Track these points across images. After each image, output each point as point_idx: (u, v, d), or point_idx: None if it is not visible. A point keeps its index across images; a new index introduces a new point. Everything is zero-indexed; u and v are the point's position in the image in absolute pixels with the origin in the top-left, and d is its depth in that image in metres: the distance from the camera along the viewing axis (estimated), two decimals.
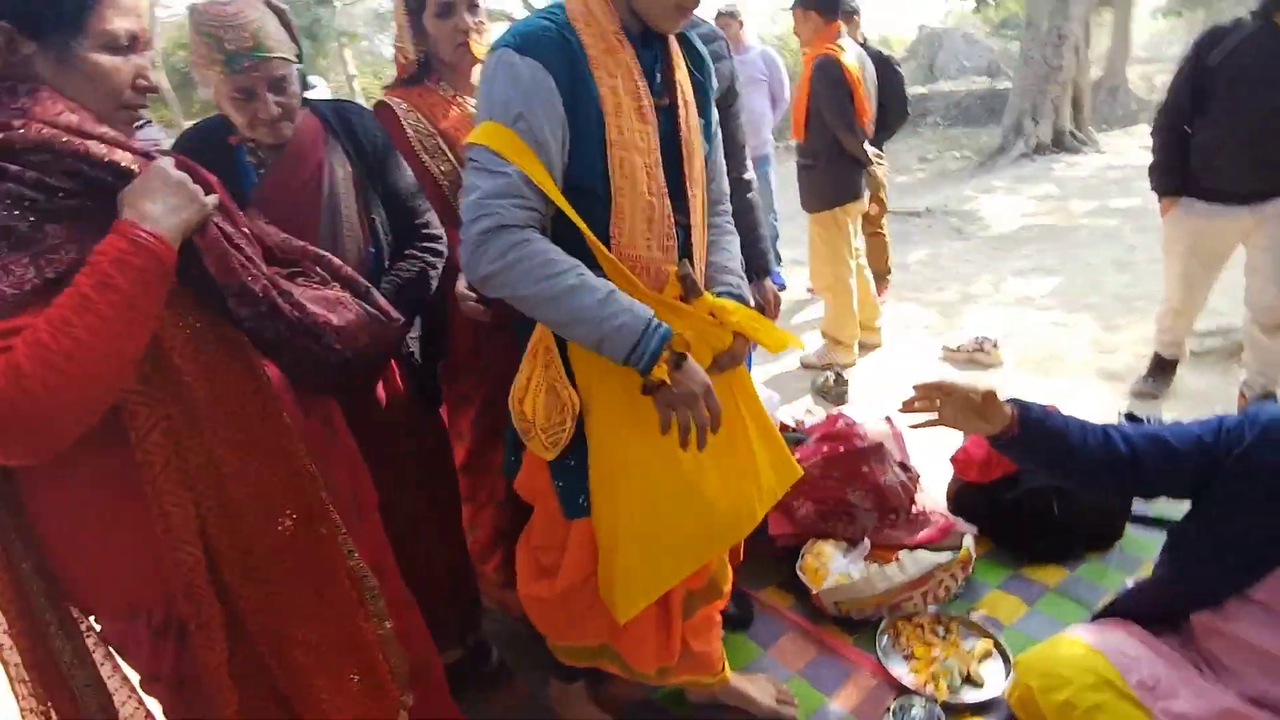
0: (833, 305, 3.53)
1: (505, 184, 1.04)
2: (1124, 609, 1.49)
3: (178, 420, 0.84)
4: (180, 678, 0.90)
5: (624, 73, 1.11)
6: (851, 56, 3.12)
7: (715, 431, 1.09)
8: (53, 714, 0.92)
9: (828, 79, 3.07)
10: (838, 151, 3.20)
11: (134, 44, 0.88)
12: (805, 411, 2.50)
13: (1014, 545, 2.03)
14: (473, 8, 1.58)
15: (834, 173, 3.25)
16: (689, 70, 1.24)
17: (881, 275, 4.49)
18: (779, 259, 5.14)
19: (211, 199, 0.89)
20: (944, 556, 1.82)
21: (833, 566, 1.87)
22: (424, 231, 1.50)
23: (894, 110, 4.09)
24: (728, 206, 1.41)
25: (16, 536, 0.87)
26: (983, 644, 1.70)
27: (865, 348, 3.75)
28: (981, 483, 2.06)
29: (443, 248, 1.52)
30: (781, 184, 5.00)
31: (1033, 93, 8.92)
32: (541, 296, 1.04)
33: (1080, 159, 8.65)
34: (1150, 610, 1.45)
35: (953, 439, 2.31)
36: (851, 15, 4.06)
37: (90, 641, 0.96)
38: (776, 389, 3.41)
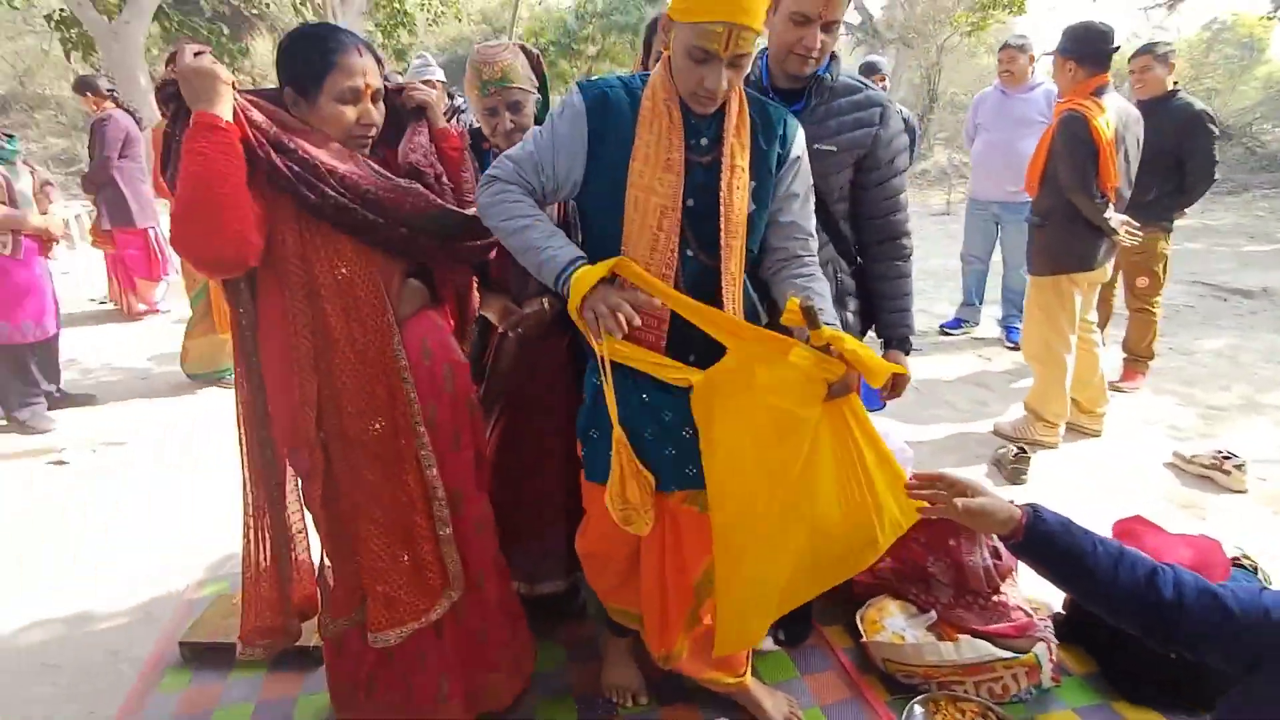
0: (1040, 377, 3.24)
1: (521, 155, 1.42)
2: None
3: (319, 336, 1.31)
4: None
5: (661, 130, 1.36)
6: (1110, 115, 2.83)
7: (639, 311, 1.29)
8: (252, 505, 1.47)
9: (1071, 137, 2.83)
10: (1072, 214, 2.93)
11: (357, 96, 1.34)
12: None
13: (1118, 676, 1.84)
14: None
15: (1065, 236, 2.98)
16: (756, 140, 1.42)
17: (1139, 359, 3.94)
18: (1020, 314, 4.70)
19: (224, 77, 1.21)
20: (1004, 653, 1.74)
21: (889, 624, 1.89)
22: None
23: (1195, 174, 3.56)
24: (810, 259, 1.53)
25: (254, 378, 1.41)
26: None
27: (1080, 433, 3.38)
28: None
29: None
30: None
31: None
32: (506, 230, 1.39)
33: None
34: None
35: None
36: (1165, 59, 3.60)
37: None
38: (957, 449, 3.28)
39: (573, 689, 1.90)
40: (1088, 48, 2.86)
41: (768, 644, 2.02)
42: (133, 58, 11.64)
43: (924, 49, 20.47)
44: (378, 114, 1.38)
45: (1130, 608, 1.23)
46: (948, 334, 4.94)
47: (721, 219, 1.38)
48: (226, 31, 14.71)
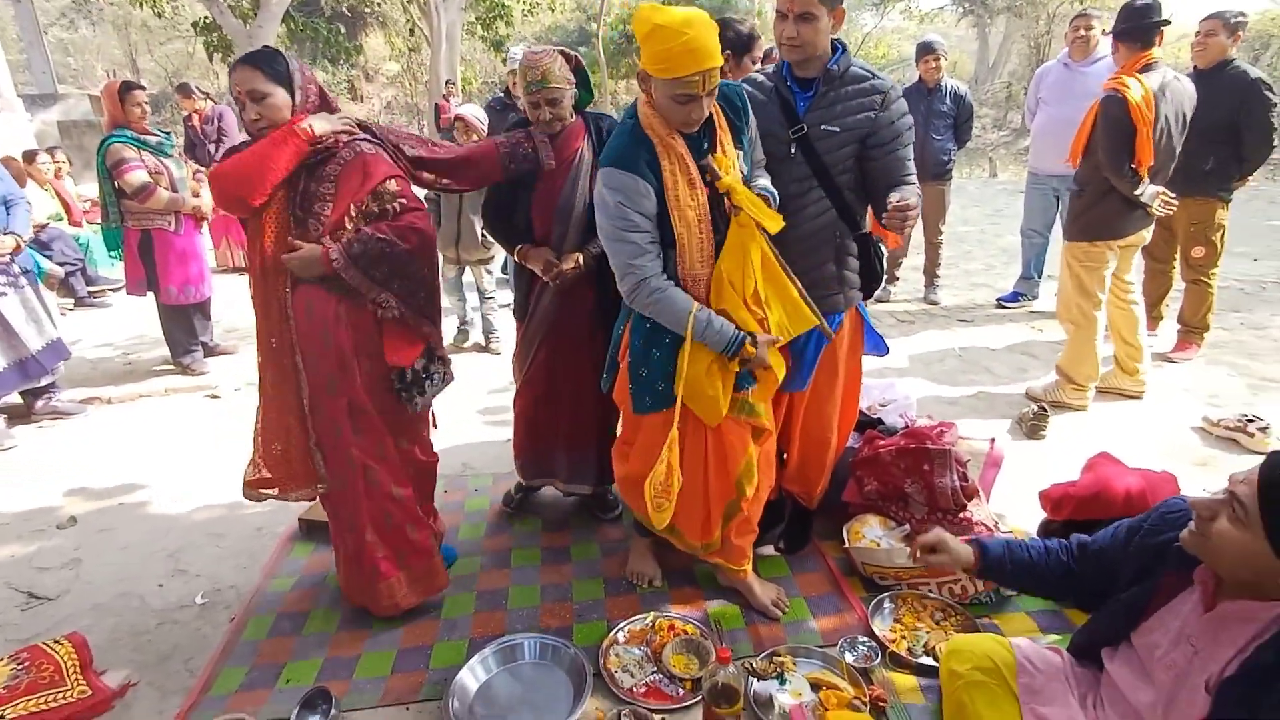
0: (1072, 339, 3.38)
1: (633, 249, 1.75)
2: (1073, 642, 1.64)
3: (252, 275, 1.89)
4: None
5: (678, 159, 1.74)
6: (1151, 88, 2.92)
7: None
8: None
9: (1109, 119, 2.94)
10: (1108, 186, 3.05)
11: (240, 101, 1.79)
12: (927, 416, 2.66)
13: None
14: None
15: (1100, 206, 3.11)
16: (731, 122, 1.82)
17: (1193, 330, 3.97)
18: None
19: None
20: None
21: (869, 533, 2.21)
22: None
23: (1253, 143, 3.57)
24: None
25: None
26: None
27: (1119, 395, 3.49)
28: (1060, 520, 2.14)
29: None
30: None
31: None
32: (674, 322, 1.78)
33: None
34: (1081, 644, 1.59)
35: (1048, 477, 2.36)
36: (1234, 28, 3.59)
37: None
38: (986, 410, 3.47)
39: (602, 573, 2.33)
40: (1129, 24, 2.95)
41: (768, 550, 2.39)
42: None
43: (1034, 17, 19.45)
44: (253, 112, 1.80)
45: (1056, 586, 1.61)
46: (1004, 307, 5.02)
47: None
48: (343, 31, 15.99)
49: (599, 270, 2.28)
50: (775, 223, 1.74)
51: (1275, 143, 3.56)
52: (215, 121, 6.47)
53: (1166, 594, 1.33)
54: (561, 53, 2.22)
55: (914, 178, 2.12)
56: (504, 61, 13.79)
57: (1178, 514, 1.36)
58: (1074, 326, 3.36)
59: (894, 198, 1.89)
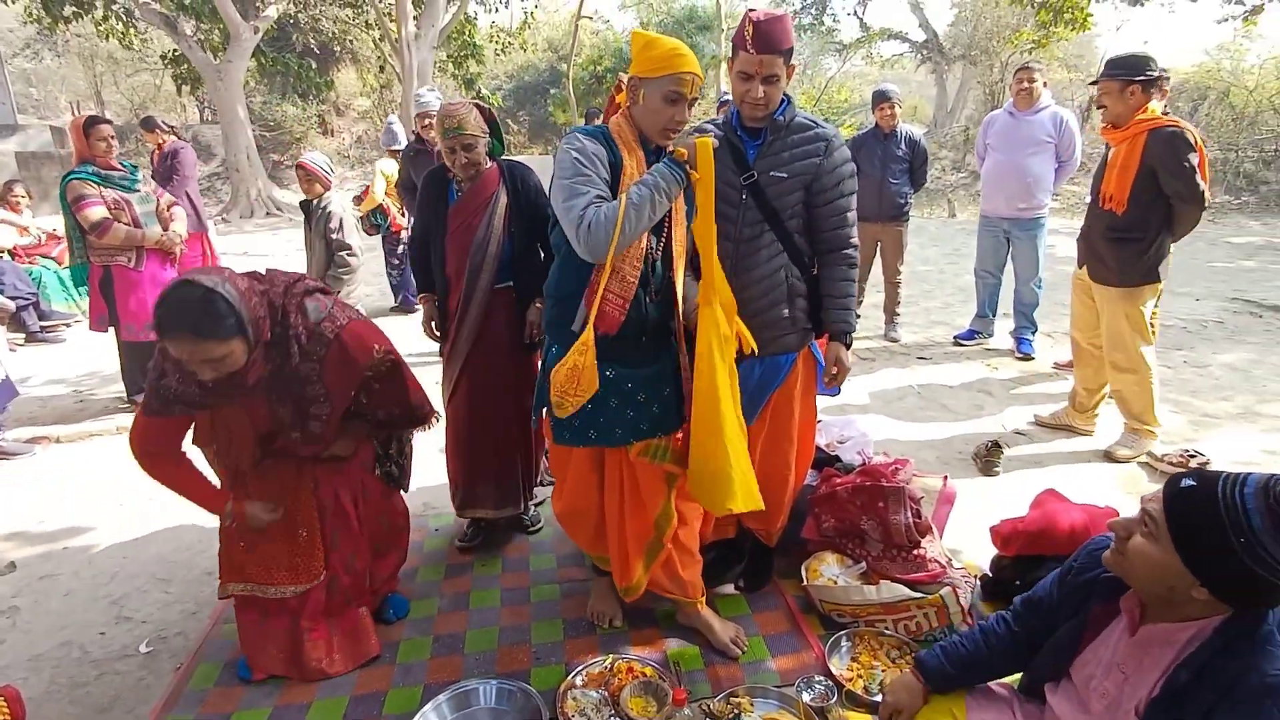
0: (1138, 385, 3.24)
1: (583, 202, 1.72)
2: (1020, 682, 1.67)
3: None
4: None
5: (637, 163, 1.81)
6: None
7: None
8: None
9: (1183, 154, 2.95)
10: (1168, 226, 3.10)
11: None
12: (883, 454, 2.71)
13: None
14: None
15: (1160, 246, 3.12)
16: None
17: None
18: (1035, 329, 4.89)
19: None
20: (915, 594, 2.07)
21: (826, 571, 2.24)
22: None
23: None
24: None
25: None
26: None
27: (1073, 433, 3.60)
28: (1010, 555, 2.19)
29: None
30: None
31: None
32: (609, 221, 1.66)
33: None
34: (1026, 684, 1.62)
35: (1000, 513, 2.42)
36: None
37: None
38: (941, 446, 3.54)
39: (561, 615, 2.31)
40: (1148, 72, 3.04)
41: (728, 589, 2.40)
42: (233, 91, 12.96)
43: (988, 65, 20.34)
44: (209, 373, 1.68)
45: (1007, 660, 1.59)
46: (961, 344, 5.16)
47: (671, 231, 1.86)
48: (314, 66, 16.07)
49: (518, 298, 2.46)
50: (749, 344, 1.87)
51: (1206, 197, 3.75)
52: (170, 159, 6.09)
53: (1096, 626, 1.38)
54: (476, 104, 2.40)
55: (854, 230, 2.18)
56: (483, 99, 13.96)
57: (1103, 549, 1.41)
58: (1134, 374, 3.24)
59: (830, 360, 2.16)
